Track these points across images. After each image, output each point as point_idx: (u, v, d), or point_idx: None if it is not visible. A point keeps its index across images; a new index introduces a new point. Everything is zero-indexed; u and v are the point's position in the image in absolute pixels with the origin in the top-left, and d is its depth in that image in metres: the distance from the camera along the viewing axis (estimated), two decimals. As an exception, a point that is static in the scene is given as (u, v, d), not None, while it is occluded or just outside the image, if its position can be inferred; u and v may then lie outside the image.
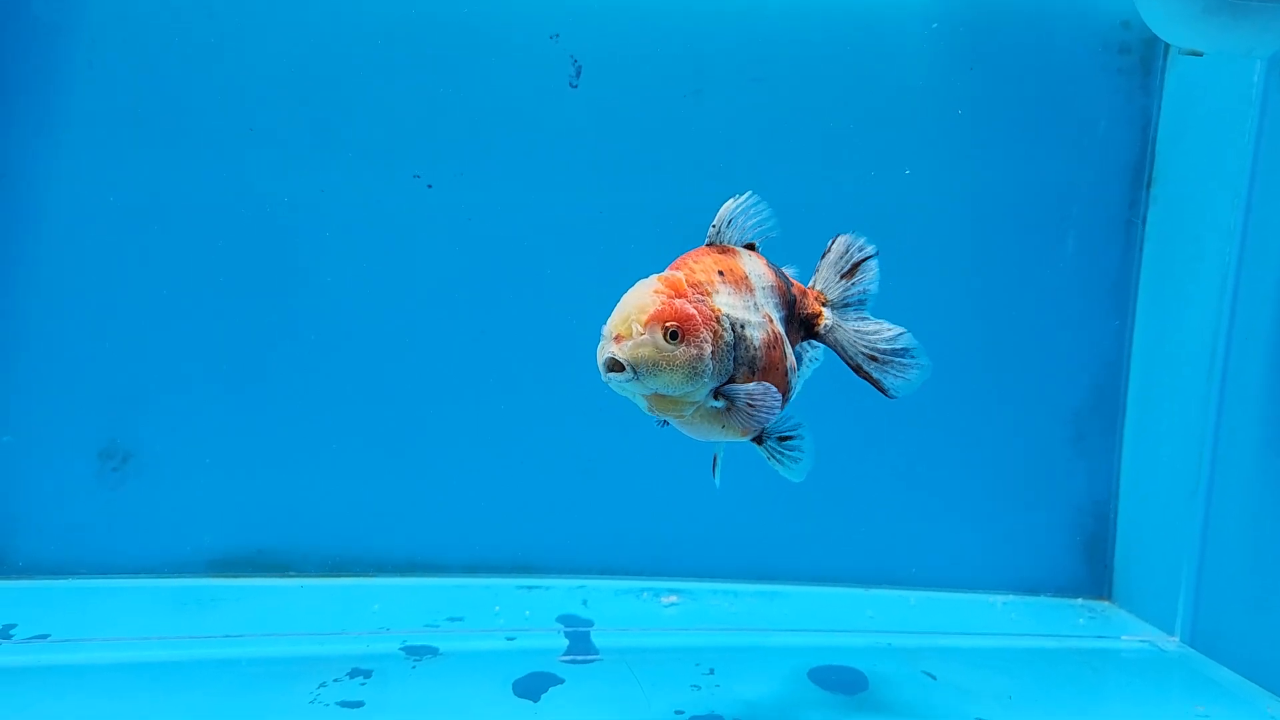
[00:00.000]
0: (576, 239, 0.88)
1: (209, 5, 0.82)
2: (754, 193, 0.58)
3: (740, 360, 0.53)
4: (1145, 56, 0.90)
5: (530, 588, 0.88)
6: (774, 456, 0.58)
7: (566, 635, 0.77)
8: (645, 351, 0.49)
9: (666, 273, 0.54)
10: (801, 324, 0.62)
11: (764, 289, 0.57)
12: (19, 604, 0.78)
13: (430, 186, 0.87)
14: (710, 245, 0.58)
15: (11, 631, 0.72)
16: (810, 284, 0.64)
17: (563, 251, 0.88)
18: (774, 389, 0.54)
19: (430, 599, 0.84)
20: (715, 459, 0.62)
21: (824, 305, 0.63)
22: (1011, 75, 0.89)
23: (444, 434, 0.88)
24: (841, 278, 0.64)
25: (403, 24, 0.85)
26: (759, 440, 0.58)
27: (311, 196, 0.85)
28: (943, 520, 0.93)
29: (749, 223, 0.59)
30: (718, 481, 0.62)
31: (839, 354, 0.63)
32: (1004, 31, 0.89)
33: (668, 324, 0.50)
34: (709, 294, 0.53)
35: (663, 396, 0.52)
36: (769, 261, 0.60)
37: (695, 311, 0.51)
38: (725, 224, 0.58)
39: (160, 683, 0.65)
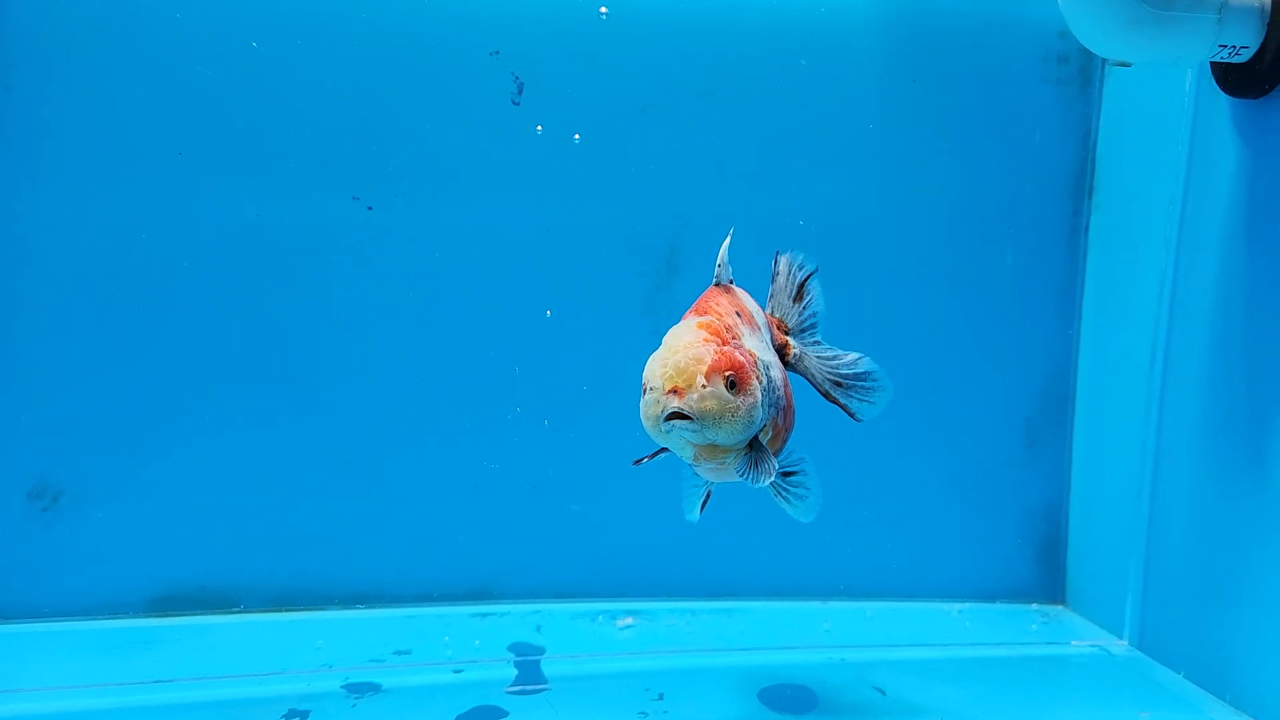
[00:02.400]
0: (523, 259, 0.87)
1: (136, 24, 0.80)
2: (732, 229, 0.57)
3: (771, 403, 0.52)
4: (1084, 66, 0.91)
5: (484, 615, 0.86)
6: (781, 494, 0.57)
7: (516, 665, 0.76)
8: (711, 405, 0.47)
9: (702, 319, 0.52)
10: (777, 353, 0.61)
11: (762, 325, 0.58)
12: (-56, 653, 0.75)
13: (371, 209, 0.85)
14: (717, 285, 0.56)
15: (-66, 684, 0.70)
16: (768, 311, 0.63)
17: (509, 272, 0.87)
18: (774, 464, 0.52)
19: (379, 631, 0.82)
20: (708, 495, 0.60)
21: (787, 334, 0.63)
22: (953, 87, 0.90)
23: (393, 461, 0.86)
24: (793, 301, 0.63)
25: (339, 42, 0.83)
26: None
27: (246, 221, 0.83)
28: (900, 530, 0.94)
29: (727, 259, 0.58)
30: (698, 517, 0.61)
31: (809, 381, 0.62)
32: (945, 44, 0.89)
33: (727, 374, 0.48)
34: (738, 337, 0.52)
35: (715, 446, 0.50)
36: (749, 294, 0.60)
37: (745, 359, 0.50)
38: (724, 265, 0.57)
39: (87, 734, 0.63)
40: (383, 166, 0.84)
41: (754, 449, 0.52)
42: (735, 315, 0.54)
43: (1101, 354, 0.91)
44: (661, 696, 0.70)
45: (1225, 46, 0.67)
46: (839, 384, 0.61)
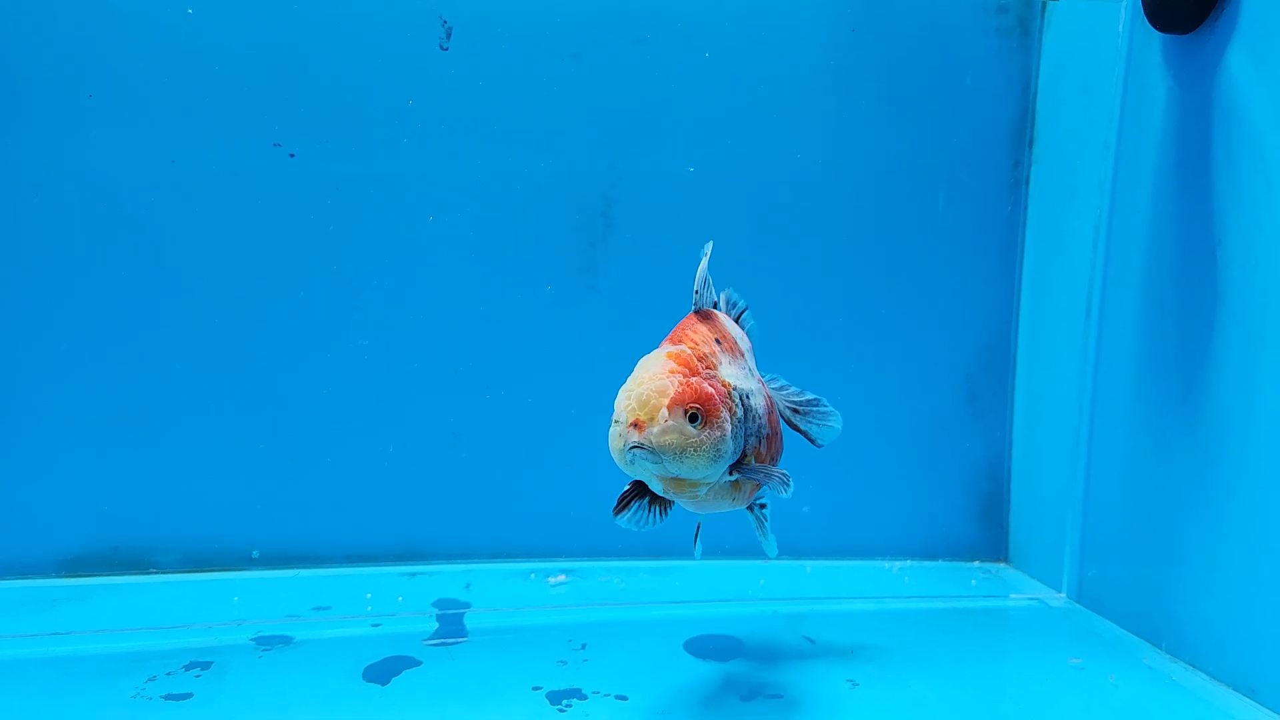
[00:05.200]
0: (451, 209, 0.85)
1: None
2: (712, 242, 0.55)
3: (750, 432, 0.51)
4: (1023, 16, 0.90)
5: (413, 574, 0.84)
6: (760, 525, 0.57)
7: (438, 619, 0.73)
8: (671, 439, 0.46)
9: (673, 348, 0.50)
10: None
11: (746, 350, 0.56)
12: None
13: (293, 156, 0.82)
14: (697, 312, 0.54)
15: None
16: None
17: (437, 223, 0.85)
18: (785, 473, 0.52)
19: (299, 590, 0.79)
20: (698, 528, 0.59)
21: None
22: (892, 37, 0.88)
23: (319, 418, 0.84)
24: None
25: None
26: (750, 508, 0.57)
27: (159, 169, 0.80)
28: (840, 490, 0.92)
29: (711, 279, 0.55)
30: (698, 553, 0.61)
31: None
32: (884, -8, 0.88)
33: (690, 407, 0.47)
34: (714, 366, 0.50)
35: (681, 479, 0.48)
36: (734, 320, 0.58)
37: (714, 390, 0.48)
38: (705, 285, 0.54)
39: (-28, 686, 0.60)
40: (306, 113, 0.82)
41: (743, 476, 0.51)
42: (714, 343, 0.52)
43: (1041, 307, 0.90)
44: (584, 646, 0.68)
45: (1152, -23, 0.66)
46: (796, 411, 0.61)
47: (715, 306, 0.59)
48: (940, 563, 0.92)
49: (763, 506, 0.58)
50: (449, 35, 0.83)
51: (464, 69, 0.83)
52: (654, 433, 0.46)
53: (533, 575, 0.84)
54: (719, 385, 0.49)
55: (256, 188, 0.82)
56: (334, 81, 0.82)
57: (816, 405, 0.61)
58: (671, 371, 0.48)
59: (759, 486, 0.55)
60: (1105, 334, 0.79)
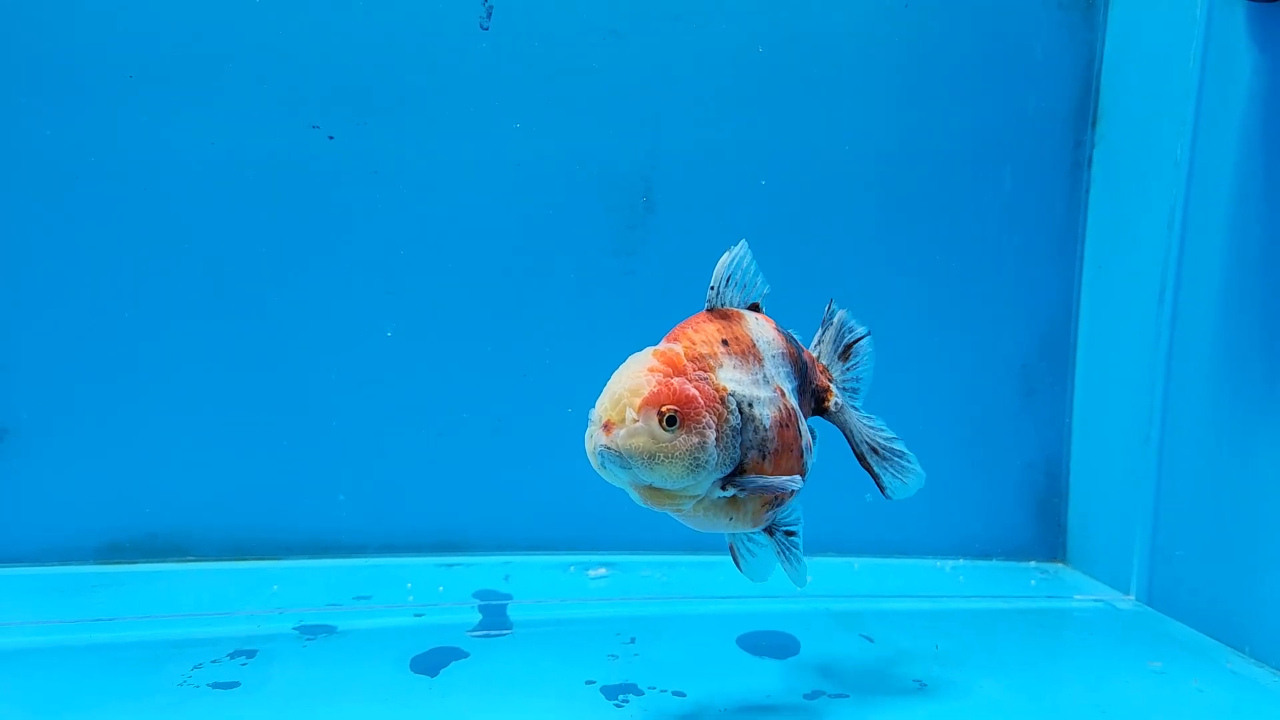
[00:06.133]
0: (489, 191, 0.83)
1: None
2: (746, 241, 0.50)
3: (749, 444, 0.46)
4: (1087, -10, 0.87)
5: (451, 565, 0.82)
6: (783, 552, 0.52)
7: (480, 610, 0.71)
8: (639, 441, 0.42)
9: (663, 346, 0.46)
10: (812, 396, 0.55)
11: (774, 357, 0.50)
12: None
13: (332, 138, 0.81)
14: (711, 310, 0.49)
15: None
16: (814, 355, 0.58)
17: (476, 207, 0.82)
18: (795, 478, 0.47)
19: (339, 579, 0.77)
20: (732, 550, 0.53)
21: (830, 381, 0.57)
22: (949, 12, 0.85)
23: (360, 406, 0.82)
24: (839, 358, 0.58)
25: (302, -34, 0.79)
26: (770, 531, 0.51)
27: (199, 152, 0.78)
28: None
29: (752, 279, 0.51)
30: (744, 569, 0.54)
31: (846, 437, 0.57)
32: (940, -33, 0.85)
33: (665, 408, 0.42)
34: (712, 369, 0.46)
35: (658, 490, 0.44)
36: (778, 325, 0.52)
37: (696, 392, 0.44)
38: (724, 283, 0.49)
39: (18, 668, 0.59)
40: (345, 94, 0.80)
41: (740, 492, 0.46)
42: (721, 344, 0.47)
43: (1105, 295, 0.86)
44: (633, 640, 0.66)
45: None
46: (876, 450, 0.57)
47: (827, 327, 0.56)
48: (994, 562, 0.88)
49: (790, 534, 0.52)
50: (489, 14, 0.81)
51: (504, 48, 0.81)
52: (621, 435, 0.43)
53: (572, 568, 0.82)
54: (707, 388, 0.45)
55: (295, 170, 0.80)
56: (373, 63, 0.80)
57: (902, 457, 0.58)
58: (651, 370, 0.44)
59: (772, 506, 0.49)
60: (1179, 324, 0.75)
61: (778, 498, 0.48)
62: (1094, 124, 0.86)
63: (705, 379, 0.45)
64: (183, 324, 0.79)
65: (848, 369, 0.58)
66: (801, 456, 0.49)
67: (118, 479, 0.79)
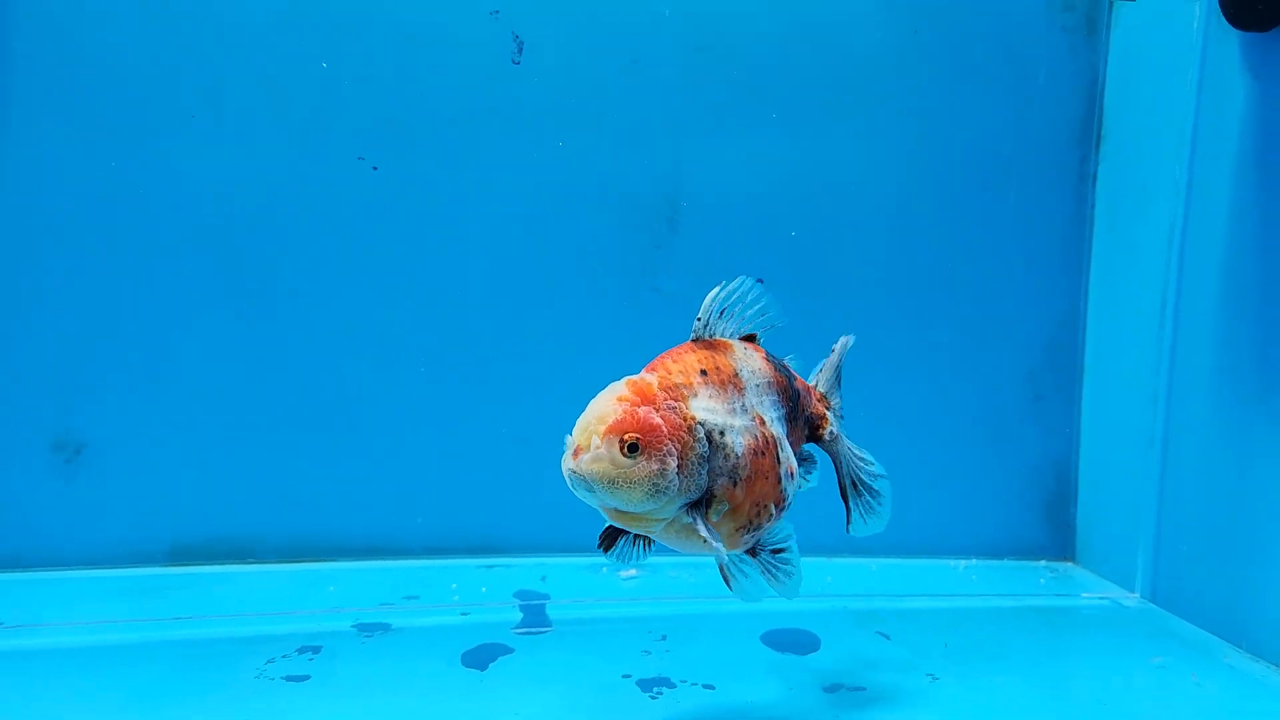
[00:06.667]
0: (527, 218, 0.88)
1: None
2: (747, 278, 0.53)
3: (718, 471, 0.48)
4: (1090, 13, 0.90)
5: (490, 567, 0.88)
6: (769, 571, 0.53)
7: (521, 609, 0.77)
8: (600, 467, 0.45)
9: (639, 375, 0.49)
10: (806, 423, 0.57)
11: (757, 386, 0.52)
12: (-27, 596, 0.77)
13: (376, 169, 0.86)
14: (696, 340, 0.52)
15: (-37, 622, 0.72)
16: (812, 383, 0.60)
17: (514, 232, 0.88)
18: (721, 550, 0.48)
19: (387, 580, 0.83)
20: (722, 571, 0.54)
21: (827, 409, 0.59)
22: (956, 37, 0.89)
23: (403, 418, 0.88)
24: (838, 383, 0.60)
25: (344, 6, 0.84)
26: (752, 552, 0.53)
27: (255, 183, 0.85)
28: (904, 487, 0.91)
29: (748, 311, 0.53)
30: (734, 590, 0.54)
31: (835, 466, 0.59)
32: (948, -9, 0.89)
33: (626, 436, 0.45)
34: (684, 398, 0.48)
35: (623, 512, 0.47)
36: (769, 354, 0.54)
37: (660, 421, 0.46)
38: (715, 316, 0.52)
39: (106, 664, 0.65)
40: (388, 127, 0.86)
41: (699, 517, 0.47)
42: (699, 374, 0.49)
43: (1110, 304, 0.89)
44: (665, 637, 0.71)
45: (1231, -23, 0.66)
46: (856, 485, 0.59)
47: (832, 353, 0.58)
48: (1006, 562, 0.93)
49: (777, 552, 0.53)
50: (520, 50, 0.87)
51: (535, 81, 0.87)
52: (585, 459, 0.45)
53: (604, 570, 0.87)
54: (674, 417, 0.46)
55: (343, 198, 0.86)
56: (414, 98, 0.86)
57: (877, 498, 0.59)
58: (620, 399, 0.46)
59: (748, 530, 0.50)
60: (1181, 332, 0.79)
61: (752, 522, 0.50)
62: (1098, 143, 0.90)
63: (675, 408, 0.47)
64: (242, 344, 0.86)
65: (840, 394, 0.61)
66: (779, 483, 0.51)
67: (185, 487, 0.86)
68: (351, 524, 0.88)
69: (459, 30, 0.85)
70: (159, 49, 0.82)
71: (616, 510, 0.47)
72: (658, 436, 0.45)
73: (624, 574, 0.86)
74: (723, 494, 0.48)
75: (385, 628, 0.72)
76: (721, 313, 0.52)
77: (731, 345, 0.53)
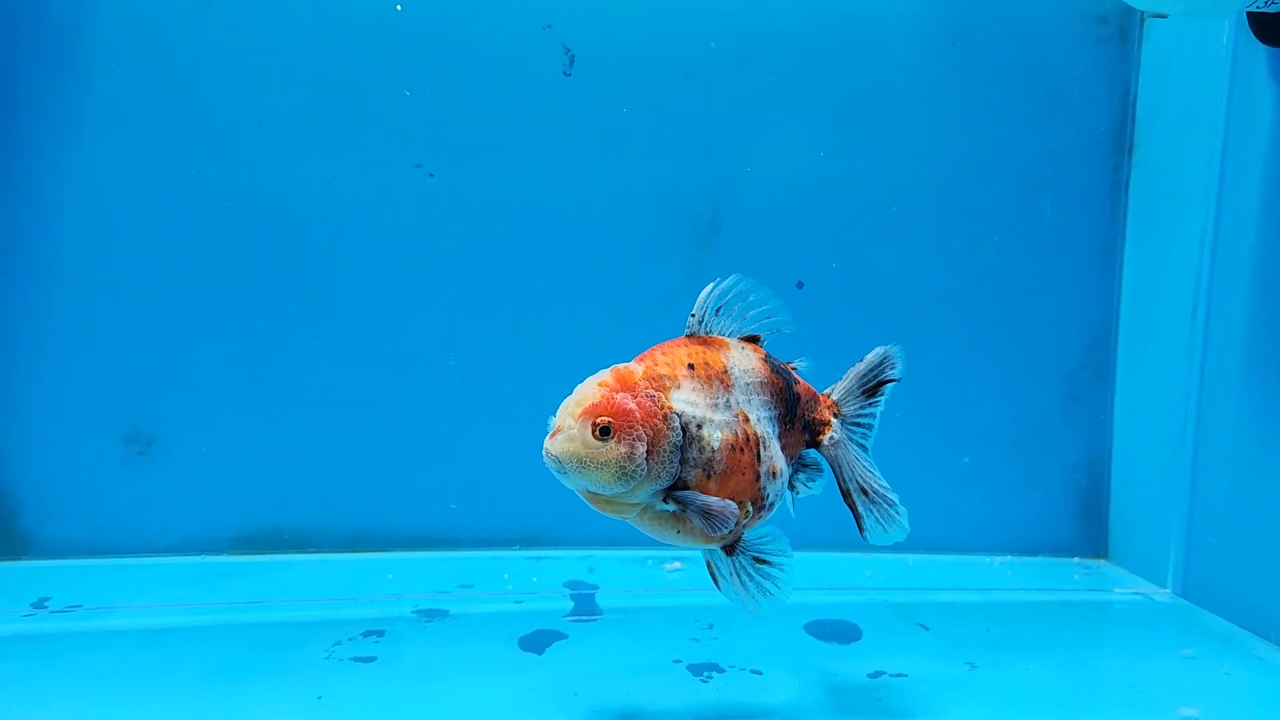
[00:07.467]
0: (575, 223, 0.92)
1: (217, 4, 0.87)
2: (742, 276, 0.53)
3: (692, 462, 0.49)
4: (1123, 25, 0.93)
5: (539, 558, 0.91)
6: (739, 574, 0.52)
7: (572, 598, 0.80)
8: (571, 447, 0.47)
9: (627, 364, 0.50)
10: (805, 428, 0.56)
11: (748, 385, 0.52)
12: (49, 581, 0.82)
13: (432, 176, 0.90)
14: (690, 336, 0.53)
15: (46, 603, 0.77)
16: (828, 390, 0.59)
17: (562, 235, 0.92)
18: (732, 505, 0.48)
19: (442, 570, 0.87)
20: (710, 569, 0.55)
21: (835, 416, 0.58)
22: (992, 49, 0.92)
23: (454, 414, 0.92)
24: (863, 393, 0.59)
25: (400, 18, 0.88)
26: (729, 551, 0.53)
27: (319, 188, 0.89)
28: (941, 485, 0.95)
29: (749, 312, 0.53)
30: (723, 590, 0.55)
31: (834, 472, 0.58)
32: (983, 5, 0.92)
33: (599, 419, 0.46)
34: (666, 389, 0.49)
35: (596, 495, 0.48)
36: (768, 356, 0.55)
37: (634, 408, 0.47)
38: (710, 313, 0.53)
39: (182, 644, 0.69)
40: (444, 137, 0.90)
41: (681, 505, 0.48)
42: (686, 367, 0.50)
43: (1143, 308, 0.91)
44: (711, 626, 0.74)
45: (1263, -6, 0.68)
46: (865, 492, 0.58)
47: (862, 360, 0.57)
48: (1040, 558, 0.95)
49: (761, 561, 0.53)
50: (572, 62, 0.90)
51: (585, 92, 0.90)
52: (559, 439, 0.47)
53: (649, 562, 0.90)
54: (650, 405, 0.48)
55: (401, 204, 0.90)
56: (469, 108, 0.90)
57: (893, 506, 0.58)
58: (601, 384, 0.48)
59: (726, 522, 0.49)
60: (1211, 334, 0.81)
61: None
62: (1130, 151, 0.92)
63: (654, 397, 0.48)
64: (304, 343, 0.90)
65: (868, 404, 0.58)
66: (758, 480, 0.51)
67: (248, 480, 0.90)
68: (407, 516, 0.92)
69: (513, 43, 0.89)
70: (240, 66, 0.87)
71: (590, 493, 0.49)
72: (629, 421, 0.47)
73: (669, 566, 0.89)
74: (696, 485, 0.49)
75: (444, 614, 0.76)
76: (718, 310, 0.53)
77: (727, 343, 0.53)
